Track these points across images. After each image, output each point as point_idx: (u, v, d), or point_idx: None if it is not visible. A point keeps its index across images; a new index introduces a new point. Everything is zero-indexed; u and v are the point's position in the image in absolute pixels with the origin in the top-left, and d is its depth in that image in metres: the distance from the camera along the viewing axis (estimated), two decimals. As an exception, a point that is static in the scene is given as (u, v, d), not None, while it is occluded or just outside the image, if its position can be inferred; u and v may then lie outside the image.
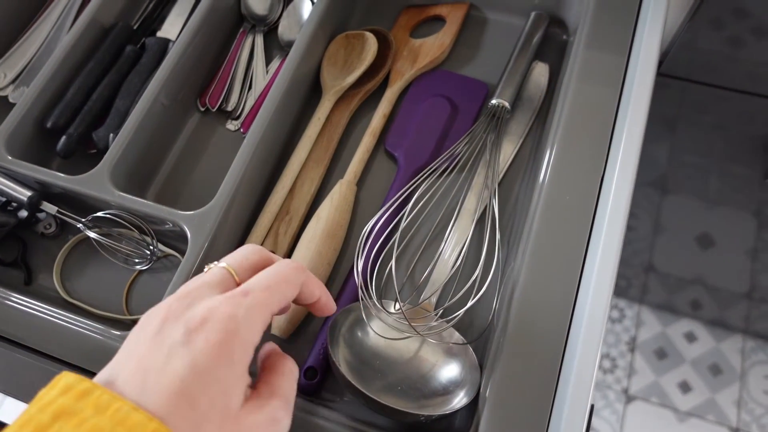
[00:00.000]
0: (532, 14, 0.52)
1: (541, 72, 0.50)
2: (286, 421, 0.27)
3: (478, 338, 0.41)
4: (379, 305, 0.40)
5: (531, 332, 0.37)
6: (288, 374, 0.29)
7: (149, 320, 0.26)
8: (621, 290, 1.26)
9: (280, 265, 0.29)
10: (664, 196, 1.27)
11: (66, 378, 0.24)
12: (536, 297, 0.38)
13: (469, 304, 0.40)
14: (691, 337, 1.28)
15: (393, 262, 0.42)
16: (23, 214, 0.47)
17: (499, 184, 0.46)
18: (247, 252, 0.30)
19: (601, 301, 0.36)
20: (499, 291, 0.41)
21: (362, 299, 0.40)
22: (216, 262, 0.29)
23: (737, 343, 1.28)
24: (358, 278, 0.41)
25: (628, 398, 1.21)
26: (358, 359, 0.38)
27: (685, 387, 1.23)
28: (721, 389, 1.23)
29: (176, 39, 0.54)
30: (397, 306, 0.40)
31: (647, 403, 1.21)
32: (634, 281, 1.27)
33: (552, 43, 0.53)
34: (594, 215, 0.40)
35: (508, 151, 0.48)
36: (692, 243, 1.27)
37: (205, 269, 0.29)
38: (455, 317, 0.39)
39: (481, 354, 0.40)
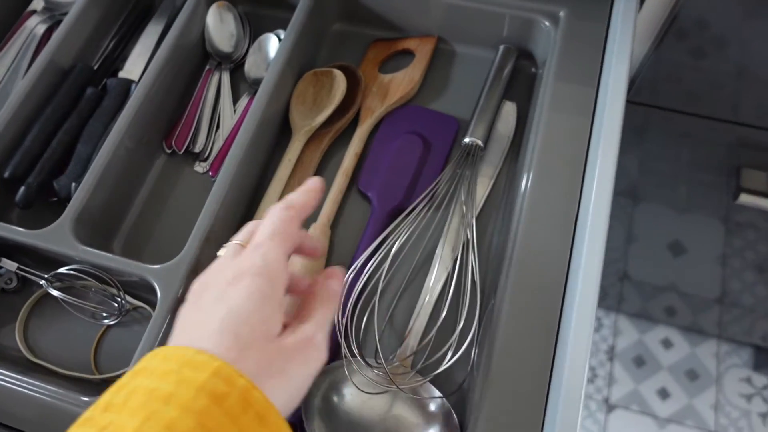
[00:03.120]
0: (501, 48, 0.52)
1: (509, 111, 0.50)
2: (320, 337, 0.30)
3: (456, 391, 0.40)
4: (362, 362, 0.39)
5: (514, 373, 0.37)
6: (324, 300, 0.32)
7: (189, 295, 0.31)
8: (598, 300, 1.27)
9: (273, 212, 0.33)
10: (636, 205, 1.29)
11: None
12: (517, 337, 0.37)
13: (446, 364, 0.39)
14: (667, 344, 1.30)
15: (373, 314, 0.41)
16: (-19, 270, 0.45)
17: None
18: (250, 226, 0.34)
19: (582, 347, 0.36)
20: (477, 338, 0.41)
21: (346, 356, 0.39)
22: (229, 242, 0.34)
23: (712, 348, 1.31)
24: (340, 335, 0.40)
25: (609, 407, 1.23)
26: (336, 428, 0.37)
27: (663, 393, 1.25)
28: (698, 394, 1.25)
29: (139, 79, 0.53)
30: (377, 361, 0.40)
31: (628, 411, 1.22)
32: (610, 290, 1.29)
33: (521, 76, 0.53)
34: (572, 245, 0.40)
35: (481, 190, 0.47)
36: (664, 250, 1.29)
37: (221, 251, 0.34)
38: (431, 375, 0.39)
39: (462, 407, 0.40)
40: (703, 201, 1.18)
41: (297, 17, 0.51)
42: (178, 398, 0.24)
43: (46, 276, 0.44)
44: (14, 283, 0.46)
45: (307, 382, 0.29)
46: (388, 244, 0.43)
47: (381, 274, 0.43)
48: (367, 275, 0.43)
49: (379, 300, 0.42)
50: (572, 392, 0.35)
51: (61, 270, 0.43)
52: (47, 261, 0.45)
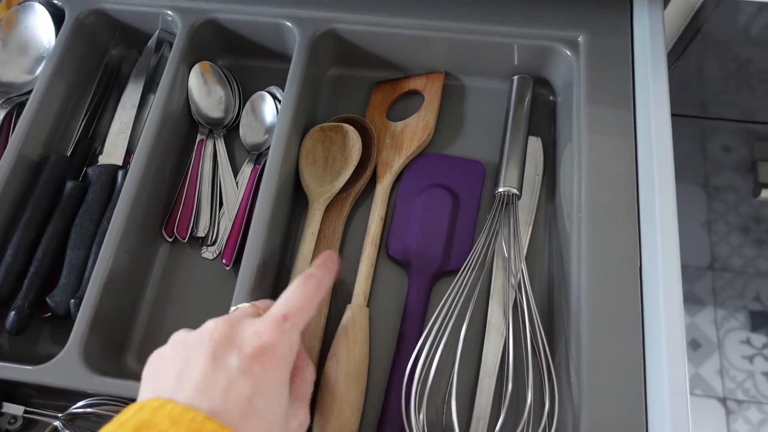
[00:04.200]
0: (515, 78, 0.48)
1: (535, 147, 0.47)
2: (309, 419, 0.33)
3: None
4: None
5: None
6: (309, 380, 0.34)
7: (197, 342, 0.29)
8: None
9: (304, 285, 0.33)
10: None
11: (136, 403, 0.27)
12: (605, 400, 0.35)
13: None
14: (667, 318, 1.31)
15: (438, 398, 0.38)
16: (-21, 412, 0.39)
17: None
18: (259, 302, 0.35)
19: (682, 412, 0.33)
20: (555, 409, 0.38)
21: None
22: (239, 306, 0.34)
23: (710, 315, 1.33)
24: (416, 429, 0.36)
25: (620, 389, 1.23)
26: None
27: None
28: (703, 362, 1.27)
29: (123, 162, 0.47)
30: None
31: (638, 390, 1.23)
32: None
33: (537, 105, 0.49)
34: (641, 282, 0.38)
35: (522, 241, 0.44)
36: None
37: (231, 310, 0.34)
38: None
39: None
40: (683, 169, 1.19)
41: (294, 70, 0.46)
42: None
43: (59, 416, 0.38)
44: (18, 423, 0.40)
45: None
46: (442, 317, 0.39)
47: (438, 353, 0.39)
48: (430, 358, 0.39)
49: (446, 381, 0.38)
50: None
51: (75, 409, 0.38)
52: (53, 389, 0.39)
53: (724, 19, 0.45)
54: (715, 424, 1.21)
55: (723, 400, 1.24)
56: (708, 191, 1.35)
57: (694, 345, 1.27)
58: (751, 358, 1.26)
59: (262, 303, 0.34)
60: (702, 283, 1.31)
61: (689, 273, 1.29)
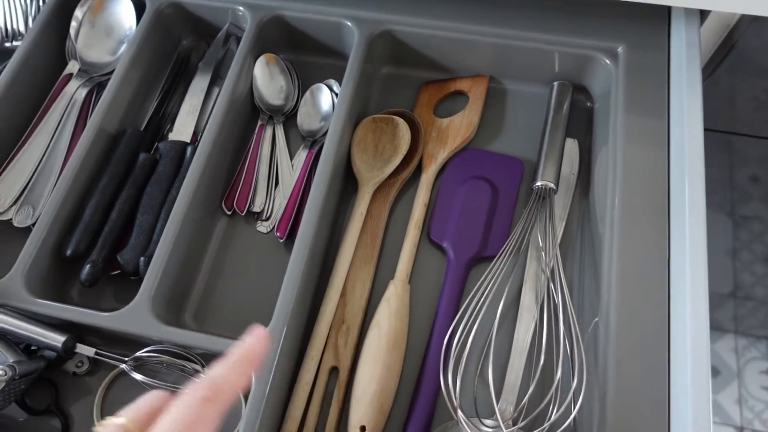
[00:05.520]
0: (555, 84, 0.52)
1: (571, 148, 0.50)
2: None
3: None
4: (474, 426, 0.38)
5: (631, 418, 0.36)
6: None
7: None
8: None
9: (187, 402, 0.25)
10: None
11: None
12: (630, 378, 0.37)
13: (553, 417, 0.38)
14: (687, 343, 1.31)
15: (471, 372, 0.41)
16: (51, 354, 0.43)
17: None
18: (148, 402, 0.26)
19: (703, 392, 0.36)
20: (583, 386, 0.40)
21: (462, 421, 0.38)
22: (112, 418, 0.25)
23: (730, 343, 1.32)
24: (455, 399, 0.39)
25: (636, 410, 1.23)
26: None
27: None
28: (721, 390, 1.26)
29: (191, 140, 0.51)
30: (489, 422, 0.39)
31: (654, 413, 1.22)
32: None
33: (575, 111, 0.52)
34: (669, 276, 0.41)
35: (557, 232, 0.47)
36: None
37: (98, 429, 0.25)
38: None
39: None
40: (709, 195, 1.19)
41: (352, 65, 0.50)
42: None
43: (126, 359, 0.42)
44: (86, 366, 0.44)
45: None
46: (478, 297, 0.42)
47: (474, 331, 0.42)
48: (464, 334, 0.42)
49: (478, 357, 0.41)
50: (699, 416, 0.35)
51: (142, 354, 0.42)
52: (118, 339, 0.43)
53: (758, 38, 0.48)
54: (732, 452, 1.20)
55: (740, 430, 1.23)
56: (734, 219, 1.35)
57: (713, 372, 1.26)
58: (770, 389, 1.25)
59: (134, 414, 0.26)
60: (724, 310, 1.31)
61: (711, 299, 1.29)
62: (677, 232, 0.42)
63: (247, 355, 0.27)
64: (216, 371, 0.26)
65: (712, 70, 0.53)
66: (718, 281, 1.30)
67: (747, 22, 0.48)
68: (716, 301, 1.29)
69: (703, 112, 0.45)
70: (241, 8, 0.53)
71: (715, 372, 1.26)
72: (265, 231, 0.49)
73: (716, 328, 1.30)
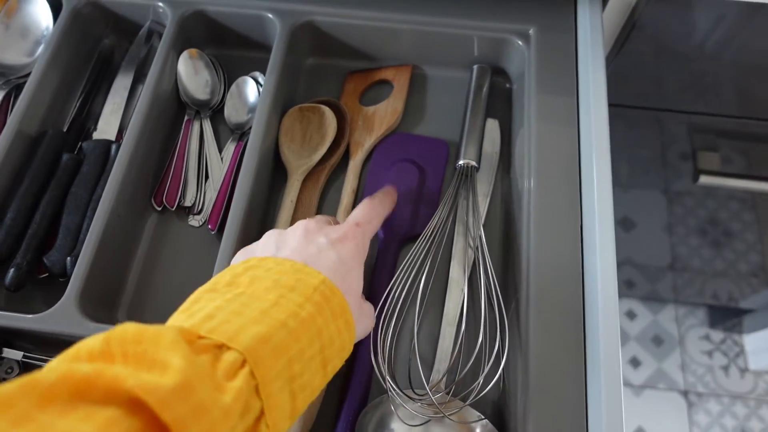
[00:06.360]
0: (475, 68, 0.54)
1: (492, 128, 0.52)
2: (373, 323, 0.39)
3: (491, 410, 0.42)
4: (404, 395, 0.40)
5: (551, 380, 0.39)
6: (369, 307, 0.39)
7: (293, 232, 0.36)
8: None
9: (371, 203, 0.41)
10: (586, 189, 1.35)
11: (240, 261, 0.35)
12: (547, 344, 0.39)
13: (479, 385, 0.40)
14: (631, 315, 1.37)
15: (402, 345, 0.42)
16: (-23, 362, 0.42)
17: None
18: (329, 217, 0.41)
19: (612, 342, 0.38)
20: (504, 353, 0.42)
21: (390, 391, 0.39)
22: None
23: (671, 313, 1.39)
24: (383, 373, 0.40)
25: (587, 383, 1.28)
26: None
27: (635, 362, 1.31)
28: (665, 358, 1.33)
29: (116, 138, 0.51)
30: (416, 392, 0.40)
31: (605, 385, 1.27)
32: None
33: (495, 92, 0.55)
34: (582, 242, 0.43)
35: (480, 207, 0.49)
36: (617, 227, 1.36)
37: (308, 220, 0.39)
38: (473, 398, 0.40)
39: (501, 424, 0.41)
40: (644, 175, 1.26)
41: (275, 57, 0.51)
42: (300, 290, 0.31)
43: (56, 360, 0.42)
44: (15, 372, 0.43)
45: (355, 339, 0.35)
46: (406, 273, 0.44)
47: (404, 305, 0.43)
48: (394, 308, 0.43)
49: (411, 331, 0.42)
50: (611, 386, 0.37)
51: (73, 351, 0.41)
52: (49, 341, 0.43)
53: (656, 16, 0.51)
54: (678, 416, 1.27)
55: (685, 393, 1.29)
56: (668, 196, 1.43)
57: (656, 341, 1.33)
58: (710, 353, 1.33)
59: (331, 218, 0.41)
60: (663, 282, 1.37)
61: (652, 273, 1.35)
62: (587, 201, 0.44)
63: (384, 197, 0.43)
64: (364, 206, 0.40)
65: (619, 48, 0.56)
66: (657, 255, 1.36)
67: (645, 1, 0.51)
68: (656, 274, 1.36)
69: (611, 90, 0.48)
70: (161, 4, 0.53)
71: (659, 341, 1.32)
72: (197, 225, 0.49)
73: (657, 299, 1.37)
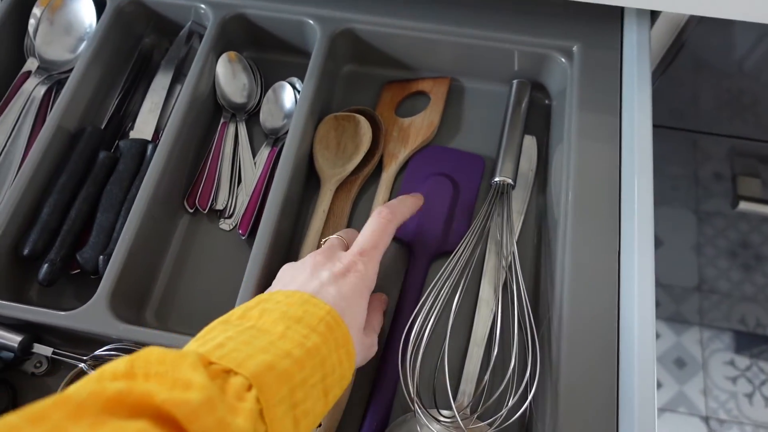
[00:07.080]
0: (514, 83, 0.53)
1: (529, 145, 0.51)
2: (376, 342, 0.40)
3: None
4: (431, 416, 0.39)
5: (581, 405, 0.38)
6: (380, 316, 0.42)
7: (302, 266, 0.39)
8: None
9: (377, 222, 0.40)
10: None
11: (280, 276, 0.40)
12: (579, 368, 0.38)
13: (509, 404, 0.39)
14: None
15: (429, 364, 0.41)
16: (8, 355, 0.43)
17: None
18: (342, 232, 0.43)
19: (648, 371, 0.37)
20: (535, 376, 0.41)
21: (417, 412, 0.39)
22: (328, 237, 0.42)
23: (695, 335, 1.36)
24: (411, 391, 0.39)
25: (606, 403, 1.25)
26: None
27: (656, 384, 1.28)
28: (687, 381, 1.30)
29: (152, 138, 0.51)
30: (446, 412, 0.40)
31: (623, 405, 1.25)
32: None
33: (534, 108, 0.54)
34: (619, 265, 0.42)
35: (514, 227, 0.48)
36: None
37: (322, 242, 0.42)
38: (499, 420, 0.39)
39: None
40: (674, 193, 1.23)
41: (314, 63, 0.50)
42: (306, 321, 0.33)
43: (84, 358, 0.42)
44: (44, 367, 0.44)
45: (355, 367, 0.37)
46: (436, 291, 0.43)
47: (433, 324, 0.42)
48: (423, 326, 0.42)
49: (438, 350, 0.42)
50: (645, 408, 0.36)
51: (100, 352, 0.41)
52: (78, 338, 0.43)
53: (705, 38, 0.50)
54: (698, 442, 1.24)
55: (706, 419, 1.26)
56: (698, 215, 1.39)
57: (679, 364, 1.30)
58: (734, 379, 1.29)
59: (345, 233, 0.42)
60: (689, 303, 1.34)
61: (677, 293, 1.32)
62: (627, 225, 0.43)
63: (412, 197, 0.44)
64: (393, 203, 0.42)
65: (664, 68, 0.55)
66: (684, 276, 1.33)
67: (695, 22, 0.49)
68: (682, 295, 1.32)
69: (652, 110, 0.46)
70: (203, 6, 0.53)
71: (681, 363, 1.29)
72: (227, 228, 0.49)
73: (682, 321, 1.34)
